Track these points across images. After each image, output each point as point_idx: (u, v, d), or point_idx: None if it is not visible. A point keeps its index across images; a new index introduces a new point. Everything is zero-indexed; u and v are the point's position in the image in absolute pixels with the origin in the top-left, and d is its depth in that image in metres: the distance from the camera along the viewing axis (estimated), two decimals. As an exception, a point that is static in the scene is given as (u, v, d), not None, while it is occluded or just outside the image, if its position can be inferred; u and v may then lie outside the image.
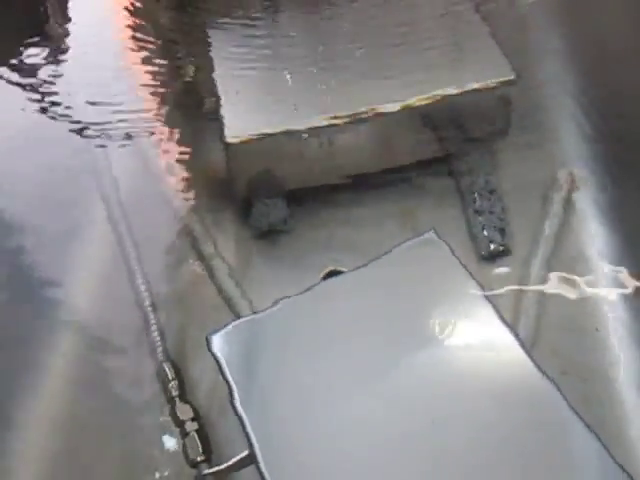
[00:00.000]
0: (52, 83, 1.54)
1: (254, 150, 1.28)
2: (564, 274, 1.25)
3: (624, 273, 1.22)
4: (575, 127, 1.45)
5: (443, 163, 1.40)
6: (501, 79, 1.31)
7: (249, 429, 0.88)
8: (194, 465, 1.00)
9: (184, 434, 1.02)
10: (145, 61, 1.58)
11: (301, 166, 1.34)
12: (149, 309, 1.20)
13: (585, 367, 1.13)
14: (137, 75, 1.56)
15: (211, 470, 0.94)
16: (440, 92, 1.30)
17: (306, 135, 1.28)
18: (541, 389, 0.90)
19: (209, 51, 1.42)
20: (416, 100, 1.30)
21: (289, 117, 1.29)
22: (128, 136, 1.45)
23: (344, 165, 1.36)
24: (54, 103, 1.50)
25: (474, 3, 1.47)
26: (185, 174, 1.45)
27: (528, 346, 0.97)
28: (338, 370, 0.94)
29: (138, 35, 1.62)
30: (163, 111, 1.51)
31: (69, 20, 1.70)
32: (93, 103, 1.49)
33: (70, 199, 1.38)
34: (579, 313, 1.20)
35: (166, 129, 1.49)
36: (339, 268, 1.19)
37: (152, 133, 1.47)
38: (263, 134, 1.27)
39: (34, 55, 1.60)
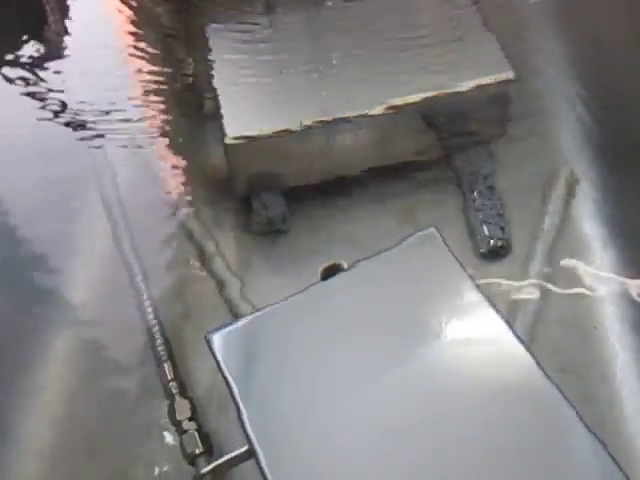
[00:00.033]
0: (50, 82, 1.54)
1: (254, 149, 1.28)
2: (563, 272, 1.25)
3: (622, 271, 1.23)
4: (575, 125, 1.45)
5: (442, 161, 1.41)
6: (500, 78, 1.31)
7: (248, 426, 0.88)
8: (192, 462, 1.00)
9: (182, 432, 1.03)
10: (145, 60, 1.58)
11: (301, 165, 1.34)
12: (149, 309, 1.20)
13: (583, 364, 1.13)
14: (136, 75, 1.56)
15: (209, 467, 0.95)
16: (439, 91, 1.30)
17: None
18: (540, 386, 0.90)
19: (209, 51, 1.42)
20: (415, 99, 1.30)
21: (289, 116, 1.29)
22: (128, 136, 1.45)
23: (344, 164, 1.36)
24: (53, 102, 1.50)
25: (474, 2, 1.47)
26: (185, 173, 1.46)
27: (526, 343, 0.97)
28: (337, 367, 0.94)
29: (137, 35, 1.62)
30: (163, 111, 1.51)
31: (68, 19, 1.70)
32: (92, 103, 1.49)
33: (69, 199, 1.39)
34: (578, 311, 1.20)
35: (166, 129, 1.49)
36: (338, 262, 1.19)
37: (152, 133, 1.47)
38: (263, 133, 1.27)
39: (32, 54, 1.61)
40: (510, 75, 1.32)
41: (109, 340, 1.20)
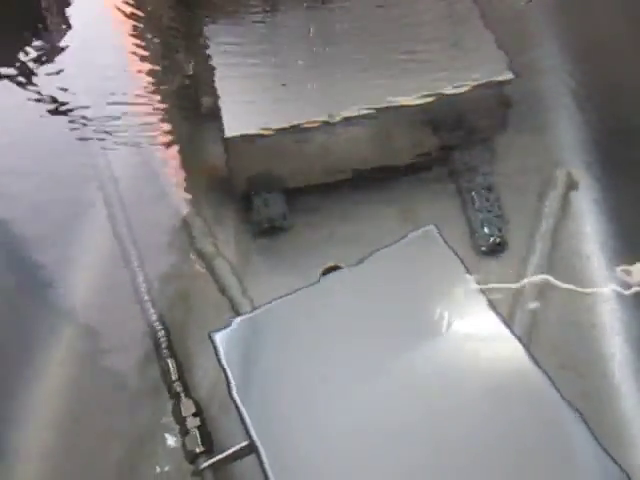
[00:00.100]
0: (50, 82, 1.54)
1: (253, 147, 1.29)
2: (561, 270, 1.26)
3: (621, 269, 1.23)
4: (574, 124, 1.45)
5: (442, 160, 1.41)
6: (499, 78, 1.32)
7: (249, 422, 0.89)
8: (193, 460, 1.01)
9: (185, 430, 1.03)
10: (144, 59, 1.58)
11: (300, 163, 1.35)
12: (151, 308, 1.20)
13: (582, 362, 1.14)
14: (136, 73, 1.56)
15: (210, 461, 0.95)
16: (438, 91, 1.31)
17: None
18: (537, 383, 0.91)
19: (208, 49, 1.42)
20: (415, 99, 1.30)
21: (288, 115, 1.29)
22: (128, 134, 1.45)
23: (344, 162, 1.37)
24: (53, 101, 1.50)
25: (473, 2, 1.48)
26: (185, 172, 1.46)
27: (525, 341, 0.97)
28: (338, 364, 0.95)
29: (137, 33, 1.62)
30: (162, 109, 1.51)
31: (68, 18, 1.70)
32: (92, 101, 1.49)
33: (70, 198, 1.39)
34: (576, 309, 1.21)
35: (166, 127, 1.49)
36: (339, 264, 1.20)
37: (152, 131, 1.47)
38: (262, 132, 1.27)
39: (33, 53, 1.60)
40: (509, 75, 1.32)
41: (110, 338, 1.20)
